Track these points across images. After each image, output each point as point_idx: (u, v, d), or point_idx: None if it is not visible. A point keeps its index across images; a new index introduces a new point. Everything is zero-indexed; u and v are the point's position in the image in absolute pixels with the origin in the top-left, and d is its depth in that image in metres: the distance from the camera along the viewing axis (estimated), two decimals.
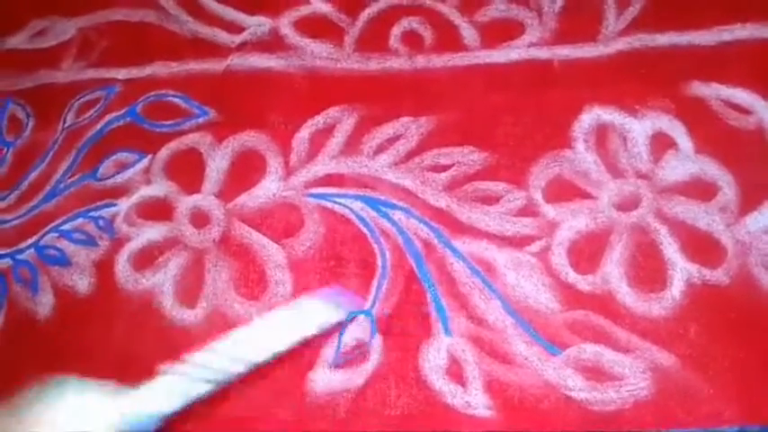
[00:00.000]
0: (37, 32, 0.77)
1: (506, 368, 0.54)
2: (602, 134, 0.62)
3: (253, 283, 0.60)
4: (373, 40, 0.70)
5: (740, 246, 0.56)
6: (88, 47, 0.74)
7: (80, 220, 0.65)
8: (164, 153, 0.67)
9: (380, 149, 0.64)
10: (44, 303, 0.62)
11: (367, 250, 0.60)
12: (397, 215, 0.61)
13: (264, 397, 0.55)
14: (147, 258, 0.62)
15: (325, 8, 0.72)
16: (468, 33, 0.69)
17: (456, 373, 0.54)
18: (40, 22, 0.77)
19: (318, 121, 0.66)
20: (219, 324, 0.58)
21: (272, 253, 0.61)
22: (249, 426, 0.54)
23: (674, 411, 0.51)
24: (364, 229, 0.61)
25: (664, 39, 0.66)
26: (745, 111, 0.62)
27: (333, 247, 0.61)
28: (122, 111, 0.70)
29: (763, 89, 0.62)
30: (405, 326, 0.57)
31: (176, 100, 0.69)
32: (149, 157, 0.67)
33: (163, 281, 0.61)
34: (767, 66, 0.63)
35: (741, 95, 0.63)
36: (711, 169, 0.60)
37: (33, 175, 0.68)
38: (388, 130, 0.65)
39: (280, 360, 0.55)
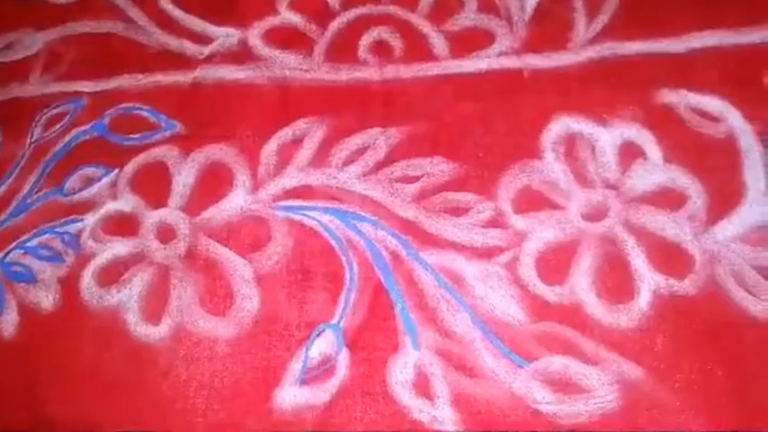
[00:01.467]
0: (5, 46, 0.76)
1: (474, 382, 0.54)
2: (570, 144, 0.62)
3: (219, 298, 0.59)
4: (343, 50, 0.70)
5: (708, 255, 0.56)
6: (55, 60, 0.74)
7: (46, 236, 0.64)
8: (130, 167, 0.66)
9: (349, 161, 0.64)
10: (8, 322, 0.61)
11: (335, 263, 0.60)
12: (366, 227, 0.60)
13: (231, 414, 0.55)
14: (112, 274, 0.61)
15: (295, 18, 0.72)
16: (438, 43, 0.69)
17: (423, 387, 0.54)
18: (7, 35, 0.76)
19: (287, 132, 0.66)
20: (184, 341, 0.57)
21: (238, 268, 0.60)
22: None
23: (642, 424, 0.51)
24: (333, 242, 0.60)
25: (633, 47, 0.66)
26: (715, 118, 0.62)
27: (301, 260, 0.60)
28: (89, 125, 0.69)
29: (732, 96, 0.62)
30: (372, 340, 0.56)
31: (143, 113, 0.69)
32: (116, 171, 0.66)
33: (128, 297, 0.60)
34: (736, 73, 0.63)
35: (710, 102, 0.62)
36: (680, 178, 0.59)
37: (1, 191, 0.68)
38: (356, 140, 0.65)
39: (245, 377, 0.55)
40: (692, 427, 0.50)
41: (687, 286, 0.55)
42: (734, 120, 0.61)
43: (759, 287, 0.54)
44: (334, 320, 0.57)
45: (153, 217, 0.63)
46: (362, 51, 0.69)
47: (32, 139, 0.70)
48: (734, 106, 0.62)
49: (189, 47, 0.72)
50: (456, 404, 0.53)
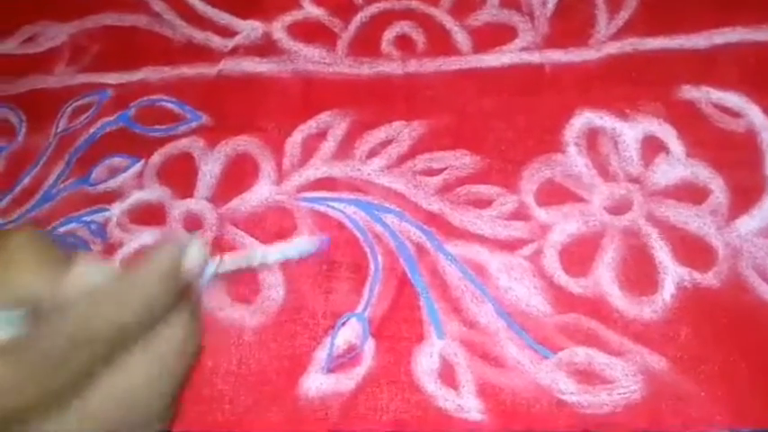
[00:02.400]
0: (28, 38, 0.77)
1: (498, 371, 0.54)
2: (593, 138, 0.63)
3: (245, 286, 0.60)
4: (366, 44, 0.70)
5: (731, 249, 0.57)
6: (80, 52, 0.75)
7: (72, 225, 0.65)
8: (156, 158, 0.67)
9: (373, 153, 0.64)
10: None
11: (360, 254, 0.60)
12: (390, 219, 0.61)
13: (257, 401, 0.55)
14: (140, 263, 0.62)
15: (318, 12, 0.72)
16: (461, 38, 0.69)
17: (448, 376, 0.54)
18: (31, 27, 0.77)
19: (311, 125, 0.67)
20: (211, 328, 0.58)
21: None
22: (239, 429, 0.54)
23: (666, 414, 0.52)
24: (357, 233, 0.61)
25: (655, 43, 0.67)
26: (736, 114, 0.62)
27: (326, 251, 0.61)
28: (115, 116, 0.70)
29: (753, 92, 0.63)
30: (397, 329, 0.57)
31: (169, 104, 0.70)
32: (142, 161, 0.67)
33: None
34: (757, 69, 0.64)
35: (731, 98, 0.63)
36: (702, 172, 0.60)
37: (26, 180, 0.68)
38: (380, 134, 0.65)
39: (271, 364, 0.56)
40: (716, 418, 0.51)
41: (710, 279, 0.56)
42: (754, 115, 0.62)
43: None
44: (359, 310, 0.58)
45: (180, 206, 0.64)
46: (385, 45, 0.70)
47: (58, 130, 0.70)
48: (754, 102, 0.62)
49: (214, 40, 0.72)
50: (481, 393, 0.53)
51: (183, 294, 0.32)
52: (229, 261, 0.40)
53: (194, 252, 0.32)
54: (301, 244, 0.48)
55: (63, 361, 0.28)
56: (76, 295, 0.30)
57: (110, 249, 0.63)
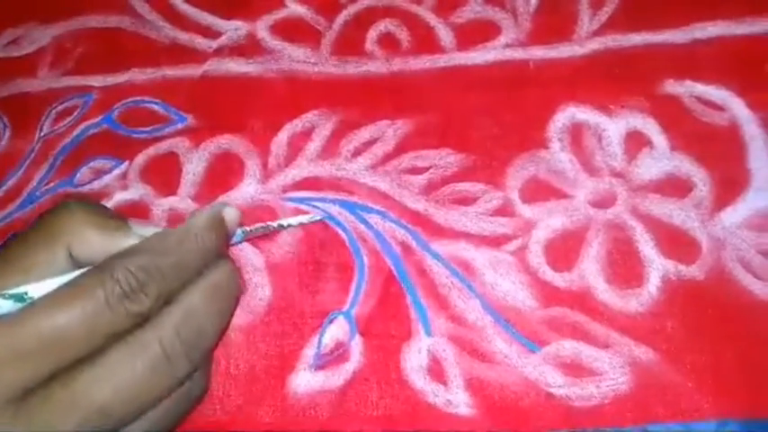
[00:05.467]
0: (11, 41, 0.76)
1: (487, 366, 0.54)
2: (577, 133, 0.63)
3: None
4: (350, 42, 0.70)
5: (715, 241, 0.57)
6: (63, 54, 0.74)
7: None
8: (140, 159, 0.67)
9: (358, 152, 0.65)
10: None
11: (345, 254, 0.60)
12: (374, 219, 0.61)
13: (247, 400, 0.55)
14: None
15: (302, 11, 0.72)
16: (445, 35, 0.69)
17: (437, 372, 0.54)
18: (13, 30, 0.77)
19: (296, 124, 0.67)
20: None
21: (250, 256, 0.61)
22: (229, 428, 0.54)
23: (654, 405, 0.52)
24: (342, 233, 0.61)
25: (637, 38, 0.67)
26: (719, 107, 0.63)
27: (311, 250, 0.61)
28: (99, 118, 0.69)
29: (735, 85, 0.63)
30: (385, 327, 0.57)
31: (153, 106, 0.69)
32: (126, 163, 0.67)
33: None
34: (739, 62, 0.64)
35: (714, 92, 0.63)
36: (686, 166, 0.60)
37: (10, 183, 0.68)
38: (365, 133, 0.65)
39: (260, 363, 0.55)
40: (703, 407, 0.51)
41: (695, 271, 0.56)
42: (737, 109, 0.62)
43: (764, 271, 0.55)
44: (346, 308, 0.57)
45: (163, 205, 0.64)
46: (370, 44, 0.70)
47: (42, 133, 0.70)
48: (737, 95, 0.63)
49: (198, 41, 0.72)
50: (470, 388, 0.53)
51: (225, 245, 0.41)
52: (253, 227, 0.50)
53: (231, 212, 0.41)
54: (308, 216, 0.60)
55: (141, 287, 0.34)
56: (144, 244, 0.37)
57: None
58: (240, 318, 0.58)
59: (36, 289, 0.36)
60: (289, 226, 0.58)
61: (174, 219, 0.63)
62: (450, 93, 0.66)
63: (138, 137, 0.68)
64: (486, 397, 0.53)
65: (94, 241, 0.38)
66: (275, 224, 0.53)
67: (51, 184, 0.67)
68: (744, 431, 0.50)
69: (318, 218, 0.60)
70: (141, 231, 0.40)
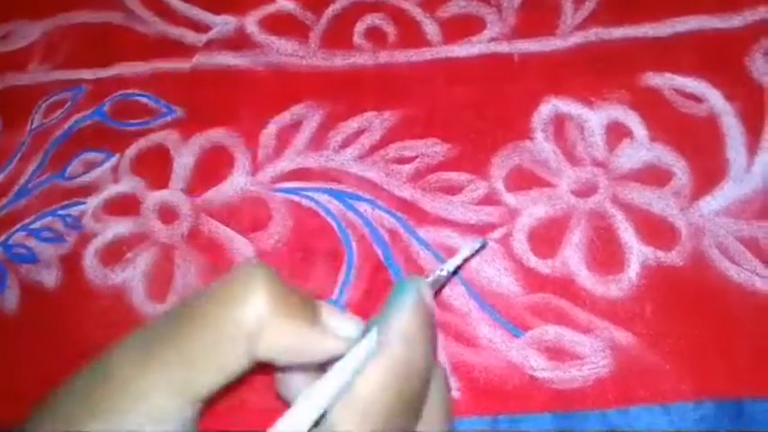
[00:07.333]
0: (1, 37, 0.77)
1: (472, 350, 0.56)
2: (560, 125, 0.64)
3: (222, 276, 0.60)
4: (338, 36, 0.71)
5: (693, 228, 0.58)
6: (53, 49, 0.75)
7: (48, 219, 0.65)
8: (131, 151, 0.67)
9: (346, 144, 0.66)
10: (10, 298, 0.62)
11: (334, 241, 0.61)
12: (363, 206, 0.62)
13: (238, 389, 0.56)
14: (114, 254, 0.63)
15: (290, 5, 0.73)
16: (431, 29, 0.71)
17: None
18: (3, 26, 0.77)
19: (285, 117, 0.68)
20: None
21: (240, 247, 0.62)
22: (226, 421, 0.55)
23: (634, 387, 0.53)
24: (331, 222, 0.62)
25: (619, 32, 0.68)
26: (698, 99, 0.64)
27: (301, 239, 0.62)
28: (90, 111, 0.70)
29: (713, 77, 0.64)
30: (374, 313, 0.57)
31: (144, 99, 0.70)
32: (117, 156, 0.68)
33: (133, 276, 0.61)
34: (716, 55, 0.65)
35: (693, 84, 0.65)
36: (666, 156, 0.62)
37: (1, 177, 0.69)
38: (352, 124, 0.66)
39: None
40: (681, 389, 0.52)
41: (674, 257, 0.57)
42: (715, 100, 0.64)
43: (741, 257, 0.57)
44: (335, 296, 0.59)
45: (154, 197, 0.65)
46: (357, 38, 0.71)
47: (32, 127, 0.71)
48: (714, 87, 0.64)
49: (188, 35, 0.73)
50: (455, 372, 0.55)
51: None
52: (432, 279, 0.46)
53: (427, 292, 0.37)
54: (470, 245, 0.56)
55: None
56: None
57: (84, 239, 0.64)
58: None
59: None
60: (464, 263, 0.56)
61: (165, 212, 0.64)
62: (436, 85, 0.68)
63: (129, 129, 0.69)
64: (472, 380, 0.55)
65: (282, 338, 0.32)
66: (449, 270, 0.49)
67: (43, 177, 0.68)
68: (718, 411, 0.52)
69: (480, 243, 0.57)
70: (334, 323, 0.35)
